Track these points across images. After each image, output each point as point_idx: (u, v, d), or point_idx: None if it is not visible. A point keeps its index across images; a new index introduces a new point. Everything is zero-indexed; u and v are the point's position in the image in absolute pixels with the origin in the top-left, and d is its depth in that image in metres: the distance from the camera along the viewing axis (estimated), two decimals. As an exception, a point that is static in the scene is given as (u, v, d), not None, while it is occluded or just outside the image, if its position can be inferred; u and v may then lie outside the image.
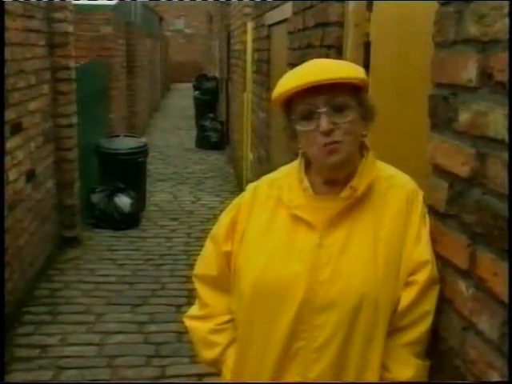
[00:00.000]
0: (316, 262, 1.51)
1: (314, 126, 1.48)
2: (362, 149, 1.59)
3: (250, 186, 1.73)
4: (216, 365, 1.74)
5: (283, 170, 1.72)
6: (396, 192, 1.56)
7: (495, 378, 1.25)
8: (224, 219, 1.72)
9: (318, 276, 1.50)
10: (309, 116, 1.49)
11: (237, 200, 1.74)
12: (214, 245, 1.73)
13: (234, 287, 1.66)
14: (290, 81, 1.52)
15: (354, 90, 1.52)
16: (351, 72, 1.53)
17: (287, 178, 1.64)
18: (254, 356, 1.60)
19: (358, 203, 1.53)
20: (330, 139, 1.47)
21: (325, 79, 1.46)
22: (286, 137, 1.63)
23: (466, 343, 1.38)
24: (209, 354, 1.73)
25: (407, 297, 1.48)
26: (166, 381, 3.71)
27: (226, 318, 1.71)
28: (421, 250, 1.50)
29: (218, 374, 1.76)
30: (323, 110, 1.47)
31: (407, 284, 1.49)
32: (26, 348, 3.98)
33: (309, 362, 1.52)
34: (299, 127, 1.52)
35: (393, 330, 1.50)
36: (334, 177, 1.55)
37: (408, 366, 1.49)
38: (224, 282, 1.70)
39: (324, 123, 1.46)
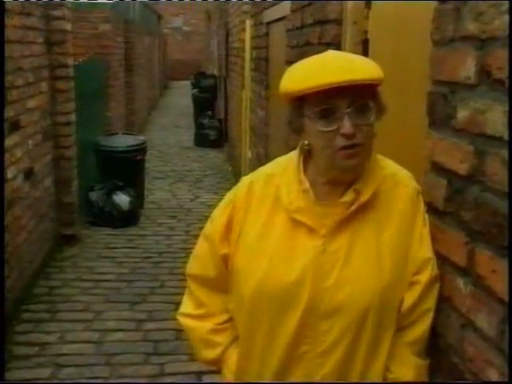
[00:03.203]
0: (320, 268, 1.47)
1: (335, 126, 1.40)
2: None
3: (245, 181, 1.65)
4: (216, 364, 1.71)
5: (280, 164, 1.64)
6: (400, 192, 1.52)
7: (493, 375, 1.25)
8: (219, 219, 1.64)
9: (322, 283, 1.47)
10: (329, 115, 1.40)
11: (231, 196, 1.66)
12: (209, 245, 1.67)
13: (233, 288, 1.63)
14: (310, 78, 1.40)
15: (373, 89, 1.45)
16: (375, 72, 1.43)
17: (285, 175, 1.56)
18: (257, 359, 1.57)
19: (362, 206, 1.48)
20: (351, 142, 1.40)
21: (352, 80, 1.37)
22: (292, 131, 1.54)
23: (464, 341, 1.38)
24: (210, 354, 1.70)
25: (411, 297, 1.47)
26: (165, 379, 3.70)
27: (225, 317, 1.68)
28: (424, 249, 1.49)
29: (218, 372, 1.75)
30: (347, 111, 1.38)
31: (411, 284, 1.48)
32: (24, 346, 3.98)
33: (313, 366, 1.50)
34: (318, 127, 1.42)
35: (395, 330, 1.49)
36: (343, 179, 1.49)
37: (409, 366, 1.49)
38: (221, 282, 1.66)
39: (348, 125, 1.38)
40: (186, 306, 1.75)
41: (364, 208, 1.48)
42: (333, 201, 1.49)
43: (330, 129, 1.41)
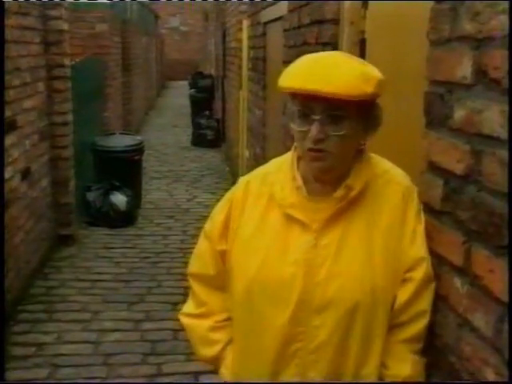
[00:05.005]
0: (311, 262, 1.50)
1: (306, 128, 1.45)
2: (360, 152, 1.56)
3: (242, 180, 1.69)
4: (215, 362, 1.72)
5: (276, 163, 1.68)
6: (391, 189, 1.55)
7: (490, 374, 1.25)
8: (217, 216, 1.68)
9: (313, 277, 1.49)
10: (304, 117, 1.46)
11: (229, 195, 1.70)
12: (208, 243, 1.70)
13: (229, 285, 1.65)
14: (288, 78, 1.46)
15: (355, 101, 1.42)
16: (357, 88, 1.39)
17: (280, 173, 1.61)
18: (252, 357, 1.58)
19: (353, 202, 1.52)
20: (317, 147, 1.44)
21: (318, 91, 1.38)
22: (288, 117, 1.58)
23: (461, 340, 1.38)
24: (208, 351, 1.71)
25: (404, 294, 1.48)
26: (163, 379, 3.70)
27: (225, 315, 1.69)
28: (416, 247, 1.50)
29: (215, 372, 1.75)
30: (317, 117, 1.43)
31: (403, 281, 1.49)
32: (21, 346, 3.97)
33: (307, 363, 1.51)
34: (293, 125, 1.50)
35: (390, 327, 1.50)
36: (321, 178, 1.53)
37: (405, 362, 1.49)
38: (221, 280, 1.68)
39: (314, 131, 1.43)
40: (188, 305, 1.78)
41: (355, 203, 1.52)
42: (325, 196, 1.53)
43: (303, 129, 1.46)
